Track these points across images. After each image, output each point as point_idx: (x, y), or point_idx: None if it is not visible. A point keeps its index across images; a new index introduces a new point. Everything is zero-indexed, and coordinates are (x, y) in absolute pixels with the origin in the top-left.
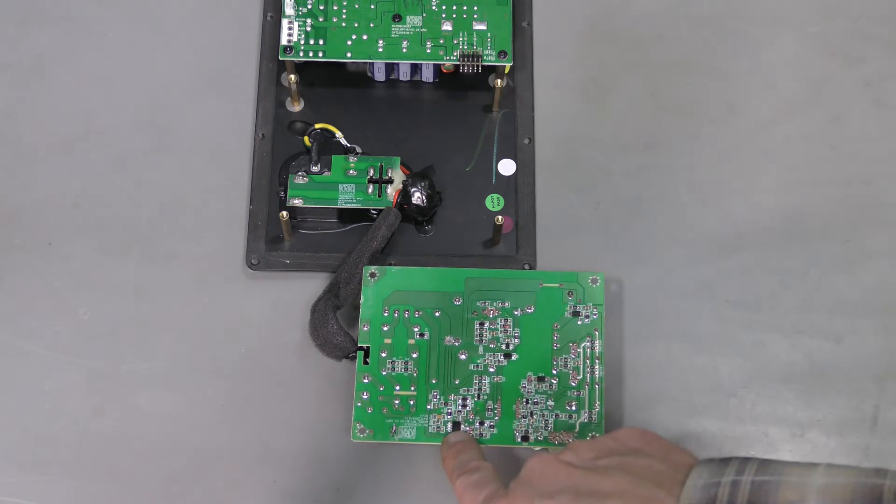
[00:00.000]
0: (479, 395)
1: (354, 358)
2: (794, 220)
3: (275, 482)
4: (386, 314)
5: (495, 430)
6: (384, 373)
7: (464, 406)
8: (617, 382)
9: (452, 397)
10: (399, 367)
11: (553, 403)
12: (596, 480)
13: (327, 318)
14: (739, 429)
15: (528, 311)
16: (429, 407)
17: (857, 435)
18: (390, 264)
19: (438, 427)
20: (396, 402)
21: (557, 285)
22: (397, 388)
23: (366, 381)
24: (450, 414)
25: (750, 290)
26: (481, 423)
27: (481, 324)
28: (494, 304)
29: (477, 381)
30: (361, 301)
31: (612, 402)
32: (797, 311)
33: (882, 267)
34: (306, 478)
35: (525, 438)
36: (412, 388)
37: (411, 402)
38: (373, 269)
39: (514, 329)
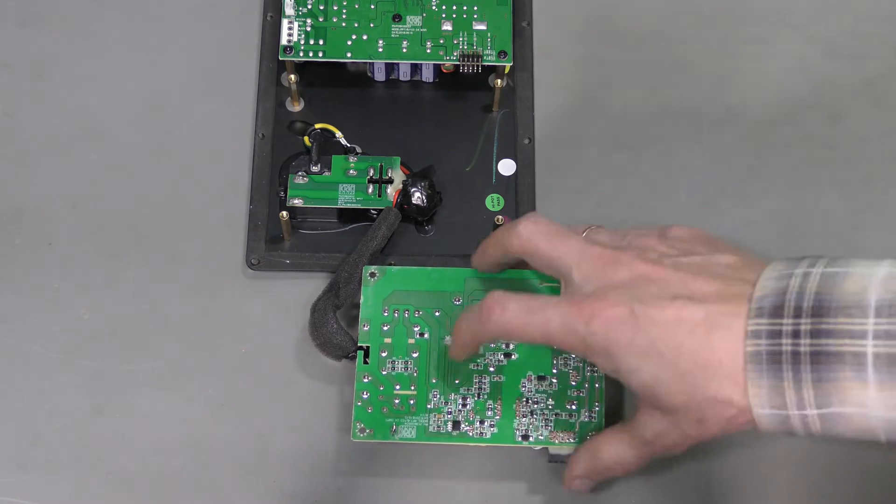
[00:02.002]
0: (479, 395)
1: (354, 357)
2: (794, 220)
3: (275, 482)
4: (386, 314)
5: (495, 430)
6: (384, 372)
7: (464, 405)
8: (617, 382)
9: (452, 396)
10: (399, 366)
11: (553, 403)
12: (688, 279)
13: (327, 317)
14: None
15: None
16: (429, 406)
17: None
18: (390, 264)
19: (438, 427)
20: (396, 401)
21: (558, 285)
22: (397, 387)
23: (366, 380)
24: (450, 413)
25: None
26: (481, 423)
27: None
28: None
29: (477, 381)
30: (361, 301)
31: (613, 402)
32: None
33: None
34: (306, 478)
35: (525, 437)
36: (412, 388)
37: (411, 402)
38: (372, 268)
39: None
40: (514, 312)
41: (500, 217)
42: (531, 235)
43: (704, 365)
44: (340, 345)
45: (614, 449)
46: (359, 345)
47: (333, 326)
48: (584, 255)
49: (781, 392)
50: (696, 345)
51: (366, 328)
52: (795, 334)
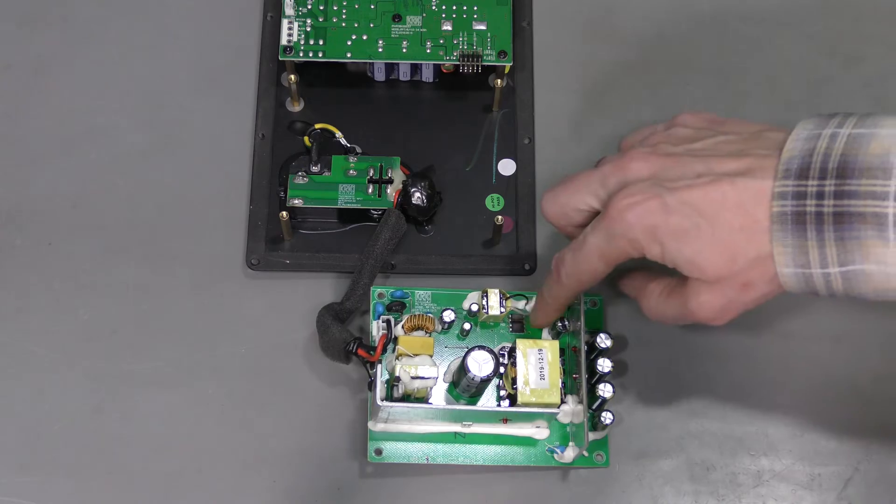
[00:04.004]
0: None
1: (354, 350)
2: None
3: (275, 482)
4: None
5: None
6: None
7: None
8: (617, 382)
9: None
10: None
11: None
12: (708, 158)
13: (326, 324)
14: (739, 429)
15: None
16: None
17: (856, 435)
18: (391, 265)
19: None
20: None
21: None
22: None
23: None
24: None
25: None
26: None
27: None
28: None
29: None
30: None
31: (612, 402)
32: (796, 311)
33: None
34: (306, 478)
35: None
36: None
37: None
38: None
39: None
40: (570, 260)
41: (500, 217)
42: (548, 205)
43: (741, 228)
44: (343, 339)
45: (656, 300)
46: (354, 336)
47: (332, 329)
48: (600, 174)
49: (805, 251)
50: (730, 212)
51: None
52: (820, 195)
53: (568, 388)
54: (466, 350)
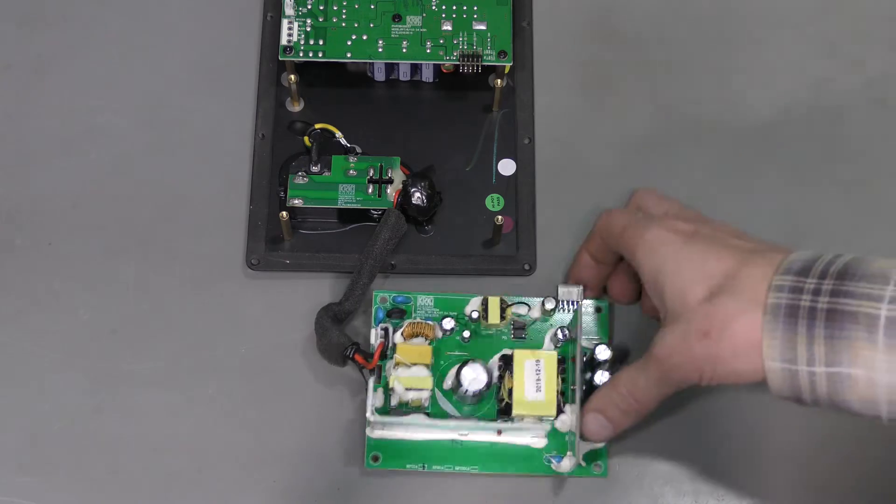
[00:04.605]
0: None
1: (351, 355)
2: (794, 220)
3: (275, 482)
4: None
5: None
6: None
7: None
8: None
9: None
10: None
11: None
12: (727, 236)
13: (325, 326)
14: (739, 430)
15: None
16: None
17: (855, 436)
18: (391, 265)
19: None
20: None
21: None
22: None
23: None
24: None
25: None
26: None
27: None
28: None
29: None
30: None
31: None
32: None
33: None
34: (306, 478)
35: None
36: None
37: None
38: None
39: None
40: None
41: (500, 217)
42: (601, 228)
43: (733, 291)
44: (341, 343)
45: (626, 376)
46: (352, 341)
47: (330, 332)
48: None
49: (794, 345)
50: (728, 275)
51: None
52: (816, 292)
53: (568, 397)
54: (462, 362)
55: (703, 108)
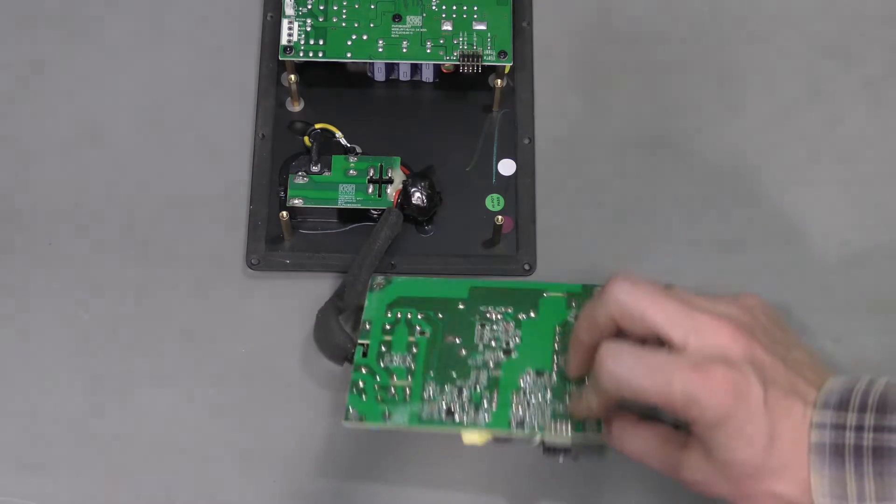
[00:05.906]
0: (475, 387)
1: (350, 361)
2: (794, 220)
3: (274, 482)
4: (389, 315)
5: (489, 419)
6: (382, 364)
7: (459, 395)
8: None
9: (448, 388)
10: (397, 360)
11: (551, 396)
12: (792, 376)
13: (328, 318)
14: None
15: (532, 315)
16: (424, 395)
17: None
18: (391, 265)
19: (432, 414)
20: (392, 390)
21: (562, 295)
22: (394, 378)
23: (363, 370)
24: (445, 403)
25: (750, 290)
26: (476, 412)
27: (482, 325)
28: (497, 308)
29: (475, 375)
30: (365, 305)
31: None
32: (797, 311)
33: (882, 267)
34: (306, 478)
35: (521, 424)
36: (408, 378)
37: (407, 391)
38: (380, 278)
39: (515, 330)
40: (630, 366)
41: (500, 217)
42: (627, 298)
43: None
44: (341, 345)
45: (646, 444)
46: (358, 342)
47: (334, 327)
48: (695, 320)
49: (843, 483)
50: (792, 436)
51: (367, 327)
52: (859, 429)
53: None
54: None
55: (702, 108)
